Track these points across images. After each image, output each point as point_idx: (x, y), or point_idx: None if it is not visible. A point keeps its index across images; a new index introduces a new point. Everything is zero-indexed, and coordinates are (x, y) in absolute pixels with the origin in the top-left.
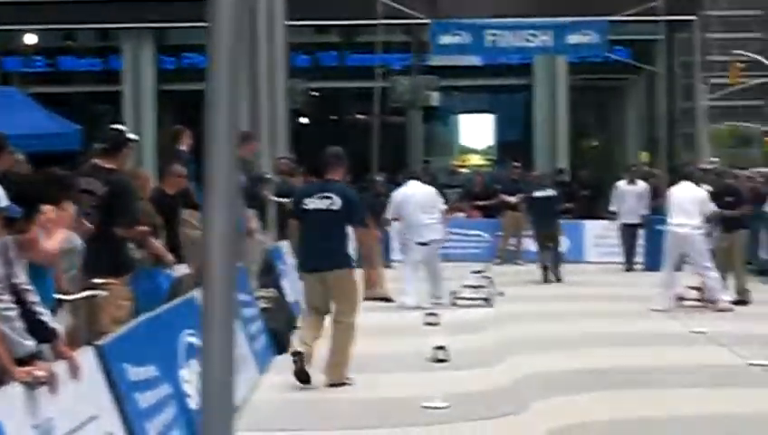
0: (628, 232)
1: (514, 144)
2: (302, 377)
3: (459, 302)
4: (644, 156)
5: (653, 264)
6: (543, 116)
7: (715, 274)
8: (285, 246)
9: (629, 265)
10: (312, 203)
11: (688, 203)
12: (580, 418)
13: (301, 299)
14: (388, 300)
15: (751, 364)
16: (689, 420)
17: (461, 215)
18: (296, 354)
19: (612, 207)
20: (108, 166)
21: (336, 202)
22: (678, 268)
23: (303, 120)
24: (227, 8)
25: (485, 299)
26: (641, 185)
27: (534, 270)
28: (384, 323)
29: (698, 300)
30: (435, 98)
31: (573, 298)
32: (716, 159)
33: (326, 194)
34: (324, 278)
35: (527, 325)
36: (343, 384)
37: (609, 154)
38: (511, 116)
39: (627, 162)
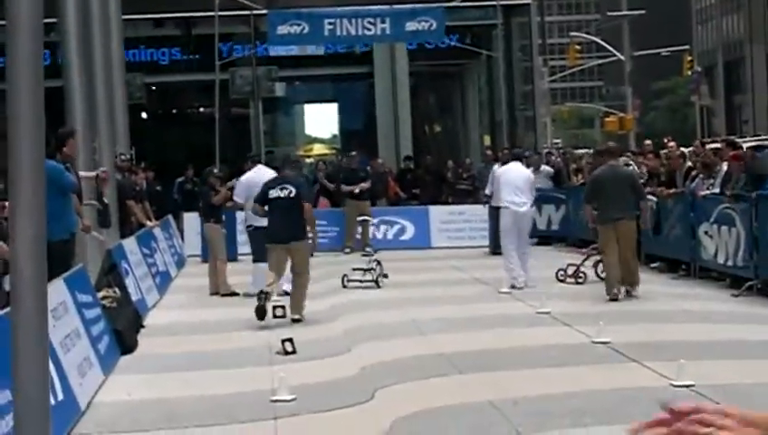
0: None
1: (358, 132)
2: (261, 314)
3: (350, 284)
4: (487, 139)
5: None
6: (385, 104)
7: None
8: (129, 243)
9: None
10: (275, 192)
11: (522, 182)
12: (428, 403)
13: (146, 296)
14: (234, 294)
15: (594, 342)
16: (536, 400)
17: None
18: (262, 293)
19: (487, 191)
20: None
21: (292, 191)
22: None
23: (144, 114)
24: (26, 6)
25: (374, 281)
26: None
27: (382, 256)
28: (232, 317)
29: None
30: (278, 88)
31: (423, 284)
32: (558, 141)
33: (284, 185)
34: (288, 247)
35: (373, 313)
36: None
37: (452, 139)
38: (354, 105)
39: (470, 146)
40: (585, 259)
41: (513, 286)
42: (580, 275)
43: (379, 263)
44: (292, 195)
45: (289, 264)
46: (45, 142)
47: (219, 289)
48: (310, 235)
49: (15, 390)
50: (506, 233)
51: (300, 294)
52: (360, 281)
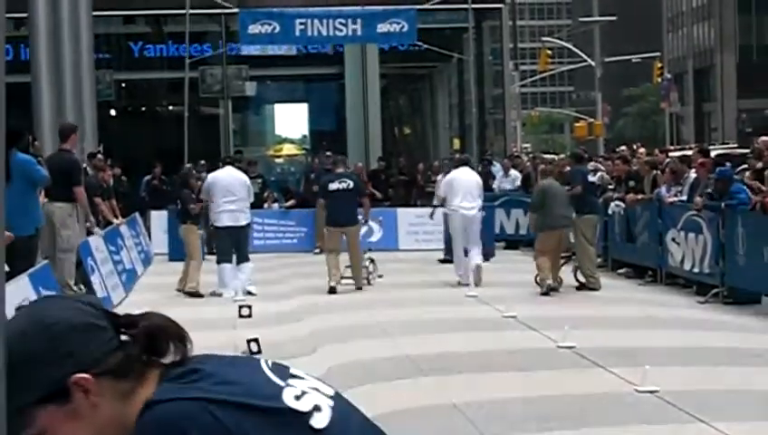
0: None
1: (328, 133)
2: (333, 291)
3: (343, 282)
4: (457, 142)
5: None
6: (356, 105)
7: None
8: (95, 240)
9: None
10: (335, 185)
11: (473, 187)
12: (393, 406)
13: (111, 293)
14: (198, 295)
15: (560, 347)
16: (501, 404)
17: (275, 206)
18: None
19: (441, 194)
20: None
21: (350, 184)
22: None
23: (112, 111)
24: None
25: (366, 279)
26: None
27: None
28: (198, 316)
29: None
30: (248, 87)
31: (389, 286)
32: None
33: (343, 179)
34: (344, 229)
35: (340, 314)
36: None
37: (422, 141)
38: (325, 105)
39: (440, 149)
40: (563, 264)
41: (459, 282)
42: (558, 279)
43: (372, 261)
44: (350, 187)
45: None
46: (17, 136)
47: (185, 287)
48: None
49: None
50: (456, 235)
51: (358, 268)
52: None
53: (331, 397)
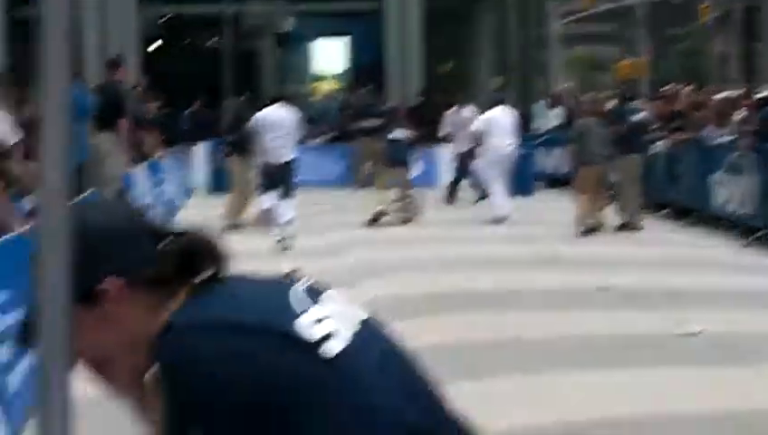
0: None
1: (368, 69)
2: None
3: (385, 219)
4: (497, 81)
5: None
6: (395, 40)
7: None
8: (137, 172)
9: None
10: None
11: (510, 125)
12: (430, 340)
13: None
14: (242, 227)
15: (600, 287)
16: (540, 343)
17: (317, 141)
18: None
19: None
20: None
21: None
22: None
23: (154, 45)
24: None
25: (408, 216)
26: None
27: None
28: (238, 248)
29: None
30: (288, 23)
31: (431, 223)
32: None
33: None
34: None
35: (382, 249)
36: None
37: (462, 78)
38: (364, 41)
39: (480, 86)
40: (605, 205)
41: (496, 220)
42: (600, 218)
43: (415, 199)
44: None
45: None
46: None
47: (237, 218)
48: None
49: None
50: (493, 173)
51: (403, 203)
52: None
53: (359, 323)
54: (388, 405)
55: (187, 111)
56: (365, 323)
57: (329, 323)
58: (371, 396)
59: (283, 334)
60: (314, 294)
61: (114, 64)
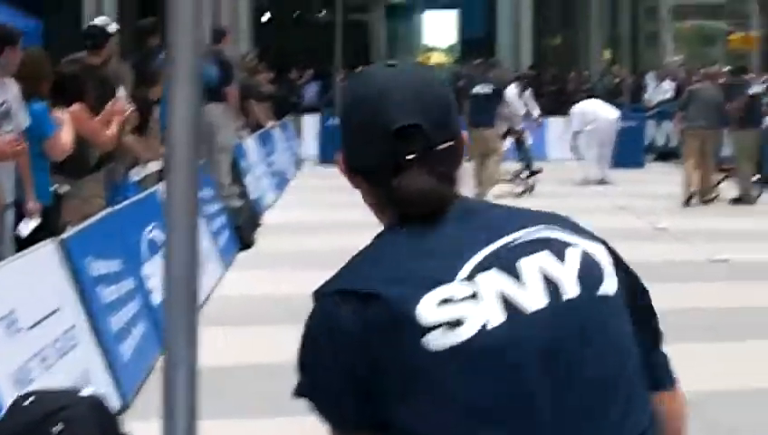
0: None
1: (478, 42)
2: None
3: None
4: (607, 54)
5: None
6: (506, 13)
7: None
8: (249, 143)
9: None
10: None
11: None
12: None
13: (264, 195)
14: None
15: (713, 260)
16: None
17: None
18: None
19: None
20: (95, 62)
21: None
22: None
23: (265, 17)
24: None
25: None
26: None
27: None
28: (352, 218)
29: None
30: None
31: (539, 196)
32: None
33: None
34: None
35: None
36: None
37: (573, 51)
38: (474, 13)
39: (590, 60)
40: (724, 178)
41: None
42: (716, 190)
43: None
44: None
45: None
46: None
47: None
48: None
49: (165, 273)
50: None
51: (491, 178)
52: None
53: (553, 306)
54: (477, 420)
55: (297, 83)
56: (574, 304)
57: (458, 308)
58: (464, 402)
59: (395, 313)
60: (511, 256)
61: (219, 34)
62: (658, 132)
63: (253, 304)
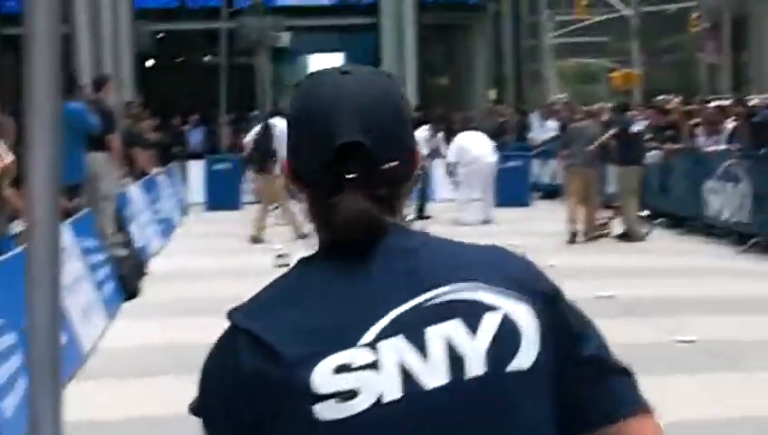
0: None
1: None
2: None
3: None
4: (492, 93)
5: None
6: (391, 55)
7: None
8: (133, 190)
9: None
10: None
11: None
12: None
13: (149, 242)
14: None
15: (597, 296)
16: None
17: None
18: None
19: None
20: None
21: None
22: None
23: (150, 62)
24: None
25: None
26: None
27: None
28: (233, 265)
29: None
30: (283, 38)
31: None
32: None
33: None
34: None
35: None
36: None
37: (458, 92)
38: (360, 56)
39: (476, 100)
40: (613, 217)
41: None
42: (606, 228)
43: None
44: None
45: None
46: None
47: (260, 234)
48: None
49: (29, 327)
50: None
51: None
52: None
53: (442, 388)
54: None
55: (182, 128)
56: (476, 383)
57: (354, 378)
58: None
59: (288, 375)
60: (416, 324)
61: (100, 82)
62: (543, 170)
63: (138, 355)
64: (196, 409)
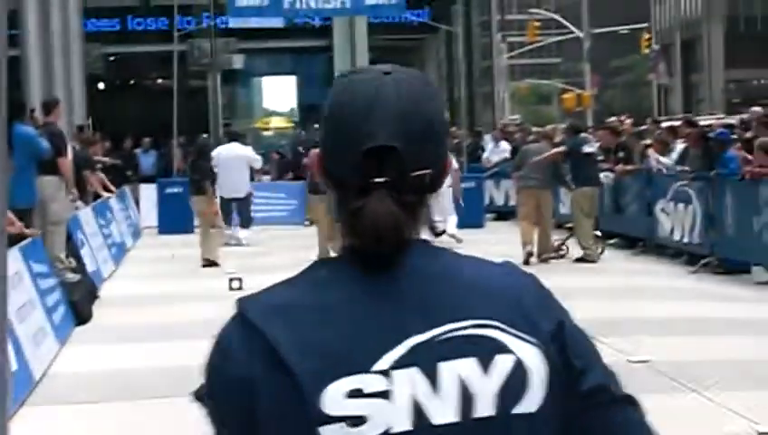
0: None
1: (317, 106)
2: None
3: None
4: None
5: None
6: None
7: None
8: (85, 214)
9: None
10: None
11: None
12: None
13: (101, 267)
14: (214, 264)
15: None
16: None
17: (266, 178)
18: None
19: None
20: None
21: None
22: None
23: (101, 85)
24: None
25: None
26: None
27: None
28: (188, 289)
29: None
30: (237, 60)
31: None
32: (516, 117)
33: None
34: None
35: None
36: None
37: None
38: (313, 78)
39: None
40: (568, 237)
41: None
42: (562, 249)
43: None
44: None
45: None
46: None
47: (211, 256)
48: None
49: None
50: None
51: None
52: None
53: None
54: None
55: (134, 151)
56: (484, 424)
57: (365, 405)
58: None
59: (299, 392)
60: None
61: (50, 106)
62: (497, 192)
63: (90, 380)
64: (201, 396)
